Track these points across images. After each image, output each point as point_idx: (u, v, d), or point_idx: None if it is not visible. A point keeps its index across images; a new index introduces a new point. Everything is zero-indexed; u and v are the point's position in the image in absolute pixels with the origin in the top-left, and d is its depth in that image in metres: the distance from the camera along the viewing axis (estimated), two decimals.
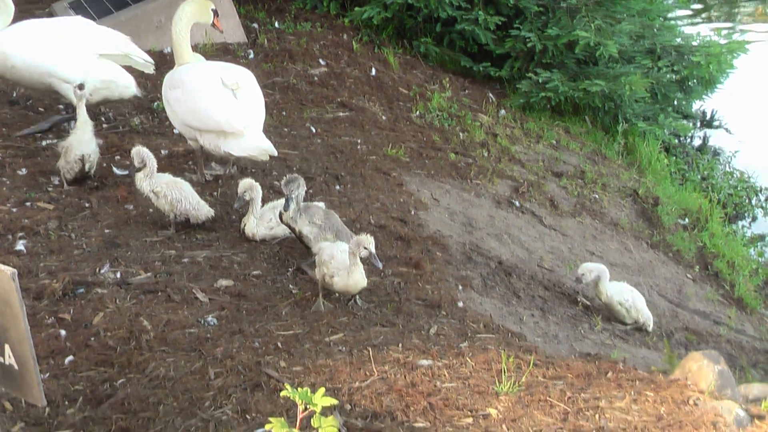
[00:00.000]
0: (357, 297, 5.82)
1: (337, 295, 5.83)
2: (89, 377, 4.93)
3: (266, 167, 7.62)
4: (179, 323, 5.42)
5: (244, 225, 6.56)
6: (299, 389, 3.33)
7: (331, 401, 3.38)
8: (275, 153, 6.98)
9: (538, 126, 11.03)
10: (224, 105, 7.00)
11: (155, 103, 8.69)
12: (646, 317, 7.24)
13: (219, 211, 6.85)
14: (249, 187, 6.46)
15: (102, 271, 6.00)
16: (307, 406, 3.31)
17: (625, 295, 7.18)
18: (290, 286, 6.04)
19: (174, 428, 4.45)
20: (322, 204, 6.55)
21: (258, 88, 7.38)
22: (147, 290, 5.81)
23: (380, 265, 5.63)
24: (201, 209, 6.63)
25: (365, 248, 5.52)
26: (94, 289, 5.78)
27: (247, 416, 4.46)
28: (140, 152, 6.65)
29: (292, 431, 3.20)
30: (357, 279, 5.60)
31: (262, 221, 6.56)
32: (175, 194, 6.54)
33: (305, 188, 6.22)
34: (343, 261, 5.60)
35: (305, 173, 7.53)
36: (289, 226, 6.21)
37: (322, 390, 3.39)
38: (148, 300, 5.70)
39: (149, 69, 8.30)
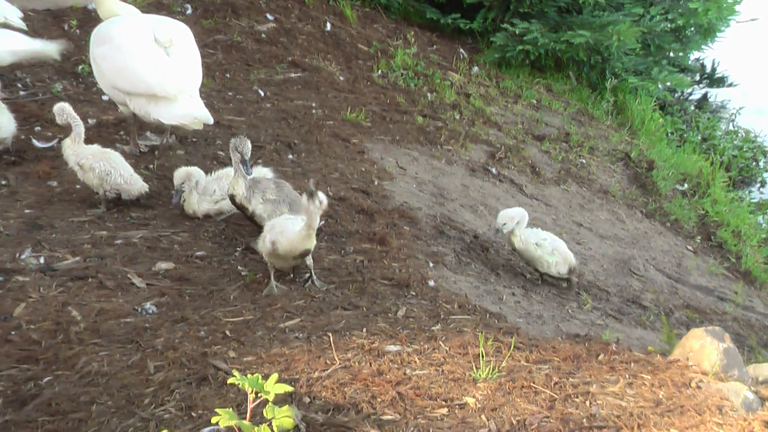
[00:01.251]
0: (314, 277, 5.82)
1: (291, 275, 5.83)
2: (11, 376, 4.90)
3: (209, 136, 7.58)
4: (113, 312, 5.40)
5: (184, 201, 6.52)
6: (249, 376, 3.32)
7: (285, 388, 3.37)
8: (211, 121, 6.91)
9: (515, 84, 11.06)
10: (156, 65, 6.92)
11: (80, 67, 8.63)
12: (571, 260, 7.27)
13: (156, 185, 6.82)
14: (186, 177, 6.41)
15: (23, 257, 5.96)
16: (259, 395, 3.30)
17: (541, 235, 7.22)
18: (239, 267, 6.03)
19: (109, 430, 4.43)
20: (268, 171, 6.53)
21: (194, 45, 7.31)
22: (75, 276, 5.79)
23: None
24: (134, 183, 6.58)
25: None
26: (14, 276, 5.75)
27: (193, 413, 4.44)
28: (63, 110, 6.56)
29: (241, 423, 3.20)
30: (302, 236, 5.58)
31: (205, 195, 6.52)
32: (104, 166, 6.48)
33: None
34: (283, 224, 5.61)
35: (254, 141, 7.49)
36: (242, 207, 6.17)
37: (275, 376, 3.38)
38: (77, 287, 5.67)
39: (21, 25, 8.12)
